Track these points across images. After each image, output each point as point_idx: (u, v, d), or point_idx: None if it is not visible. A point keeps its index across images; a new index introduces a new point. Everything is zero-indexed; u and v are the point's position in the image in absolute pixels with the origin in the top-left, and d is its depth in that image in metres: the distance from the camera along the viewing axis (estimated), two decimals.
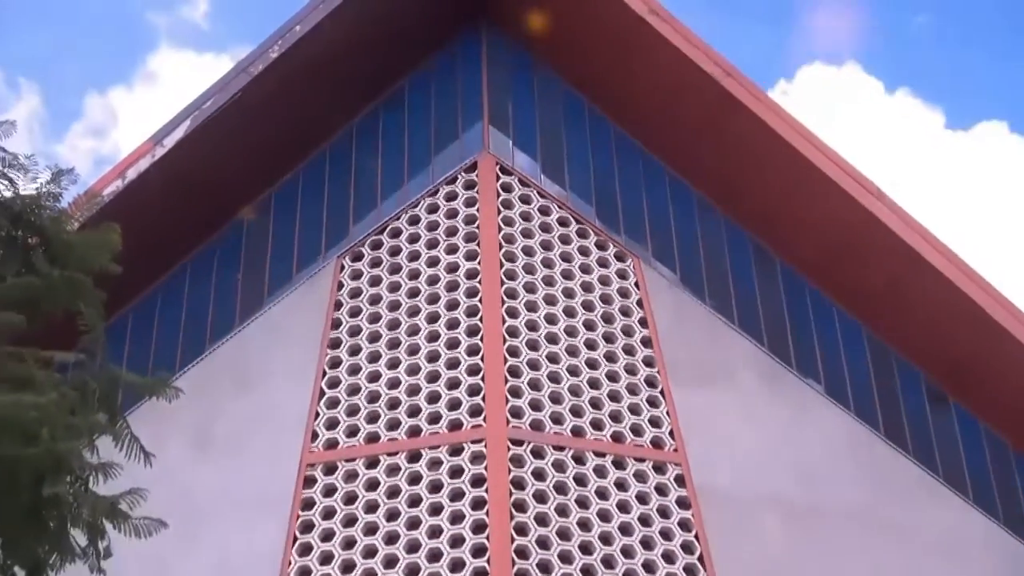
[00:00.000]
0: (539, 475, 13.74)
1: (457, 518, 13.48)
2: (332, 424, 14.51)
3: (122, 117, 51.97)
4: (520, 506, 13.57)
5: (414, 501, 13.78)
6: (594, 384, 14.67)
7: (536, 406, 14.33)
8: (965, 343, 15.42)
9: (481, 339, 14.67)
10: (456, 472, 13.84)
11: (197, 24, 52.12)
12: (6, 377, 6.95)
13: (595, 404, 14.50)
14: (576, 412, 14.41)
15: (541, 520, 13.50)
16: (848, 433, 15.20)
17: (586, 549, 13.45)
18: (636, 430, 14.40)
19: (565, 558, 13.32)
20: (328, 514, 13.96)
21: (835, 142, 16.06)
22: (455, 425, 14.21)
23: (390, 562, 13.40)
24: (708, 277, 16.01)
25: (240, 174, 16.30)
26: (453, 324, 14.90)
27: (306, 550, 13.73)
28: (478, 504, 13.54)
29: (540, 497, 13.63)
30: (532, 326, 14.89)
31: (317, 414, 14.59)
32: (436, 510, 13.65)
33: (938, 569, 14.32)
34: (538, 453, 13.96)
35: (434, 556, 13.33)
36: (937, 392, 15.88)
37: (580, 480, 13.92)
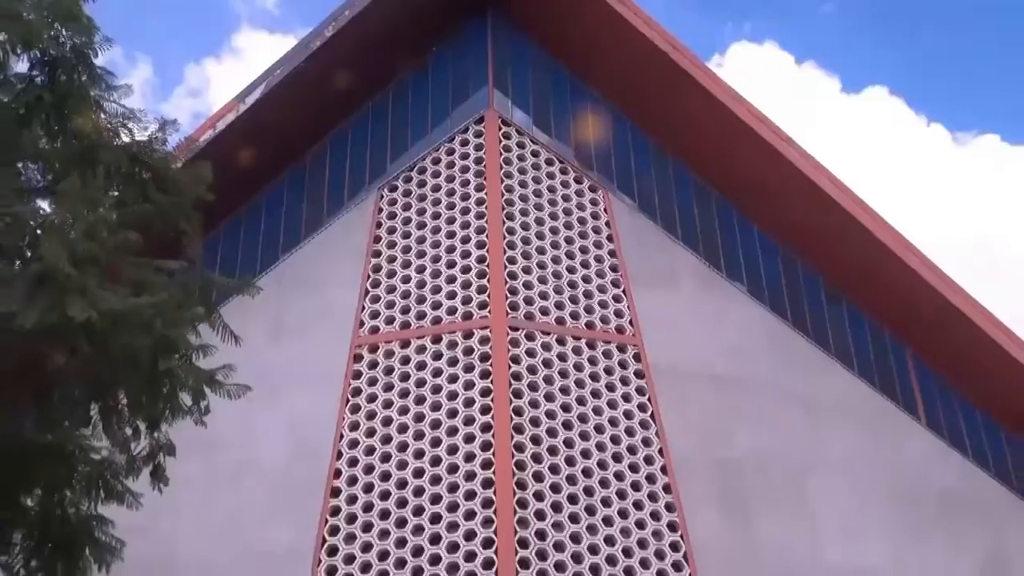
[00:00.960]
0: (531, 353, 13.80)
1: (469, 384, 13.60)
2: (374, 315, 14.56)
3: (213, 82, 51.95)
4: (517, 376, 13.66)
5: (436, 372, 13.89)
6: (572, 284, 14.71)
7: (529, 301, 14.38)
8: (856, 256, 15.41)
9: (487, 250, 14.72)
10: (468, 350, 13.91)
11: (270, 10, 52.80)
12: (128, 282, 6.98)
13: (573, 300, 14.55)
14: (559, 306, 14.46)
15: (532, 386, 13.60)
16: (764, 323, 15.25)
17: (567, 408, 13.61)
18: (604, 319, 14.45)
19: (551, 415, 13.45)
20: (371, 383, 14.07)
21: (757, 102, 16.00)
22: (467, 315, 14.32)
23: (418, 417, 13.51)
24: (659, 205, 15.95)
25: (303, 125, 16.21)
26: (466, 240, 14.89)
27: (355, 409, 13.86)
28: (485, 374, 13.63)
29: (532, 369, 13.71)
30: (526, 240, 14.89)
31: (363, 308, 14.65)
32: (453, 378, 13.75)
33: (831, 424, 14.43)
34: (530, 336, 14.03)
35: (452, 413, 13.46)
36: (833, 292, 15.93)
37: (562, 356, 13.97)
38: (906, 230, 15.41)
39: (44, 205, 7.52)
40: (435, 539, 12.55)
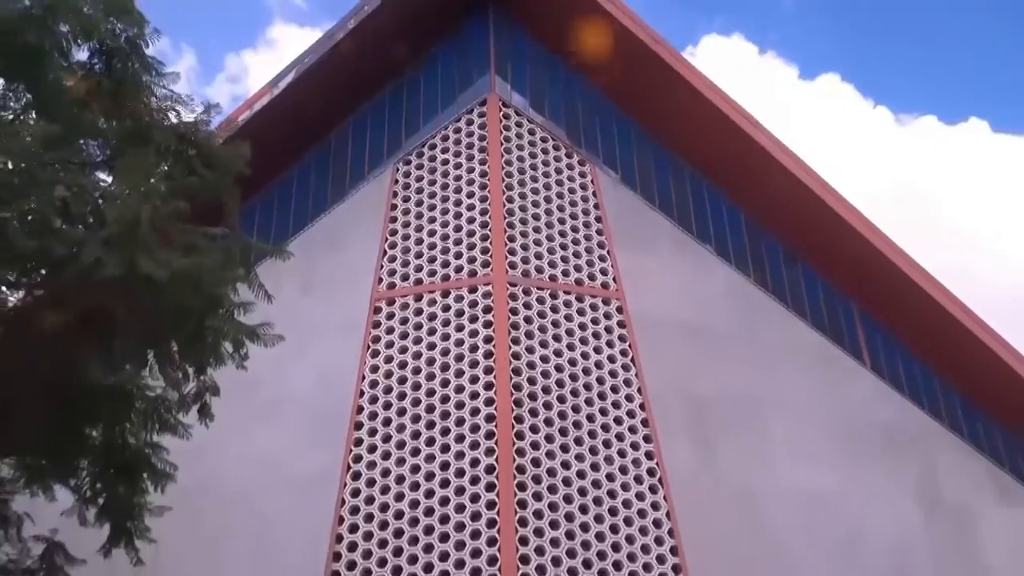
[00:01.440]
0: (527, 306, 13.84)
1: (474, 333, 13.62)
2: (391, 273, 14.57)
3: (251, 70, 51.83)
4: (515, 326, 13.70)
5: (445, 322, 13.93)
6: (563, 246, 14.71)
7: (525, 260, 14.39)
8: (810, 223, 15.41)
9: (489, 216, 14.71)
10: (473, 303, 13.95)
11: (300, 6, 52.78)
12: (178, 246, 7.01)
13: (564, 259, 14.56)
14: (552, 264, 14.48)
15: (529, 335, 13.65)
16: (729, 280, 15.26)
17: (559, 353, 13.71)
18: (591, 276, 14.45)
19: (545, 359, 13.51)
20: (389, 332, 14.11)
21: (727, 89, 15.96)
22: (472, 273, 14.36)
23: (430, 361, 13.57)
24: (639, 178, 15.90)
25: (328, 107, 16.12)
26: (471, 207, 14.86)
27: (375, 354, 13.90)
28: (487, 324, 13.64)
29: (528, 320, 13.76)
30: (523, 208, 14.85)
31: (381, 266, 14.67)
32: (460, 328, 13.77)
33: (787, 367, 14.51)
34: (527, 291, 14.05)
35: (459, 357, 13.48)
36: (789, 254, 15.95)
37: (554, 309, 14.00)
38: (854, 200, 15.46)
39: (104, 177, 7.57)
40: (444, 465, 12.70)
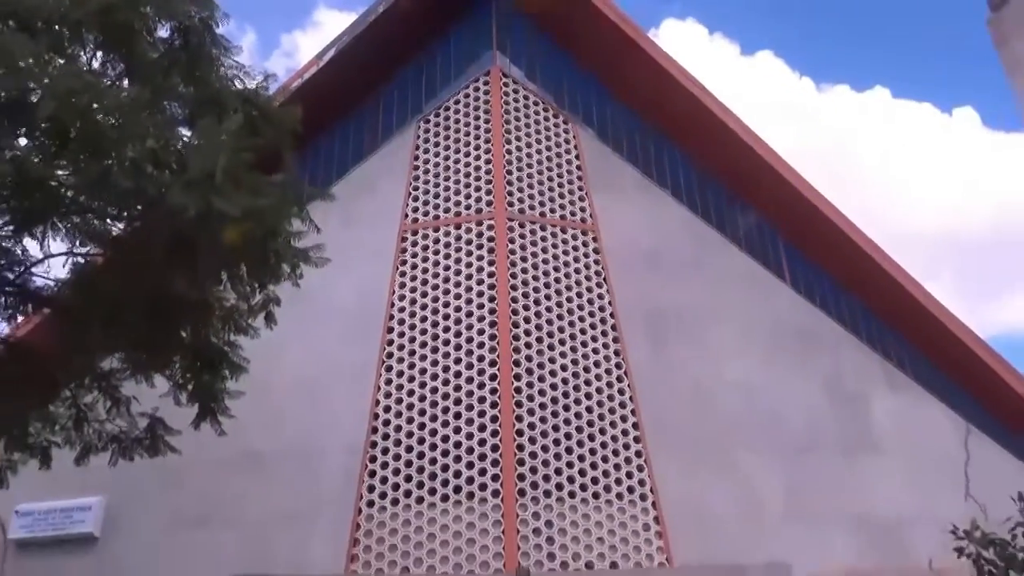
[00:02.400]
0: (522, 236, 13.81)
1: (480, 258, 13.58)
2: (415, 210, 14.44)
3: (301, 46, 50.79)
4: (512, 252, 13.69)
5: (457, 249, 13.88)
6: (551, 189, 14.54)
7: (521, 200, 14.30)
8: (748, 170, 15.30)
9: (492, 164, 14.57)
10: (479, 234, 13.89)
11: None
12: (247, 189, 6.92)
13: (551, 200, 14.44)
14: (541, 204, 14.38)
15: (523, 259, 13.64)
16: (683, 217, 15.08)
17: (547, 274, 13.66)
18: (572, 213, 14.31)
19: (535, 278, 13.50)
20: (414, 255, 14.10)
21: (681, 61, 15.67)
22: (479, 210, 14.28)
23: (445, 279, 13.60)
24: (611, 134, 15.64)
25: (364, 76, 15.75)
26: (477, 157, 14.69)
27: (402, 274, 13.93)
28: (491, 251, 13.60)
29: (523, 247, 13.75)
30: (519, 159, 14.72)
31: (407, 204, 14.56)
32: (469, 253, 13.75)
33: (727, 285, 14.38)
34: (522, 225, 14.03)
35: (468, 276, 13.49)
36: (730, 195, 15.75)
37: (543, 239, 13.94)
38: (782, 152, 15.27)
39: (185, 133, 7.45)
40: (457, 360, 12.83)
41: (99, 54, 7.47)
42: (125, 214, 7.51)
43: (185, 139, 7.28)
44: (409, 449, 12.38)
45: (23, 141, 6.76)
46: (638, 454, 12.42)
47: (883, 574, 11.99)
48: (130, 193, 6.66)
